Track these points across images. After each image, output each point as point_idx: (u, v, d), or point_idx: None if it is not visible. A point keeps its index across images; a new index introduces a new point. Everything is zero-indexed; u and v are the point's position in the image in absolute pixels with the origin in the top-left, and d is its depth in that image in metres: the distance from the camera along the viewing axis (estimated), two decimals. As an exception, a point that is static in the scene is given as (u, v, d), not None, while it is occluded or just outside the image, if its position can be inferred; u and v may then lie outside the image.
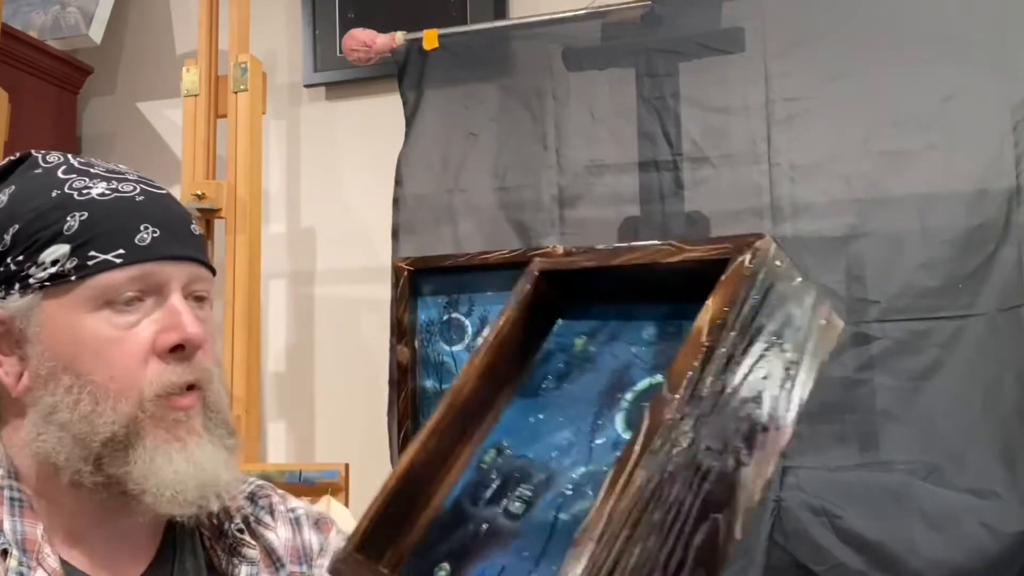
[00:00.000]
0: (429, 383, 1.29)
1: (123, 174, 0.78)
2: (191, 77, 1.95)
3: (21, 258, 0.72)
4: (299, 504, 0.89)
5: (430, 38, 1.81)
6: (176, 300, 0.74)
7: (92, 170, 0.77)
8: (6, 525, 0.72)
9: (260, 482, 0.89)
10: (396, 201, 1.83)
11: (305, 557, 0.84)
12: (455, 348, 1.27)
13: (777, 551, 1.46)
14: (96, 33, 2.18)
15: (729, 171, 1.62)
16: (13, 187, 0.76)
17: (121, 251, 0.72)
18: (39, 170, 0.77)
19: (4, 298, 0.73)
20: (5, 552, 0.70)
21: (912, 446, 1.47)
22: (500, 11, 2.02)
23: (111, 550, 0.76)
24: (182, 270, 0.75)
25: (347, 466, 1.65)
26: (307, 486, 1.61)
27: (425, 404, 1.28)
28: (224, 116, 1.93)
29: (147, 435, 0.72)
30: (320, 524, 0.88)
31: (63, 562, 0.73)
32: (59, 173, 0.76)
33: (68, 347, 0.72)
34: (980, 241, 1.48)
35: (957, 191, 1.51)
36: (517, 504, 0.68)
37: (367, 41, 1.82)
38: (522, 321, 0.80)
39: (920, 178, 1.53)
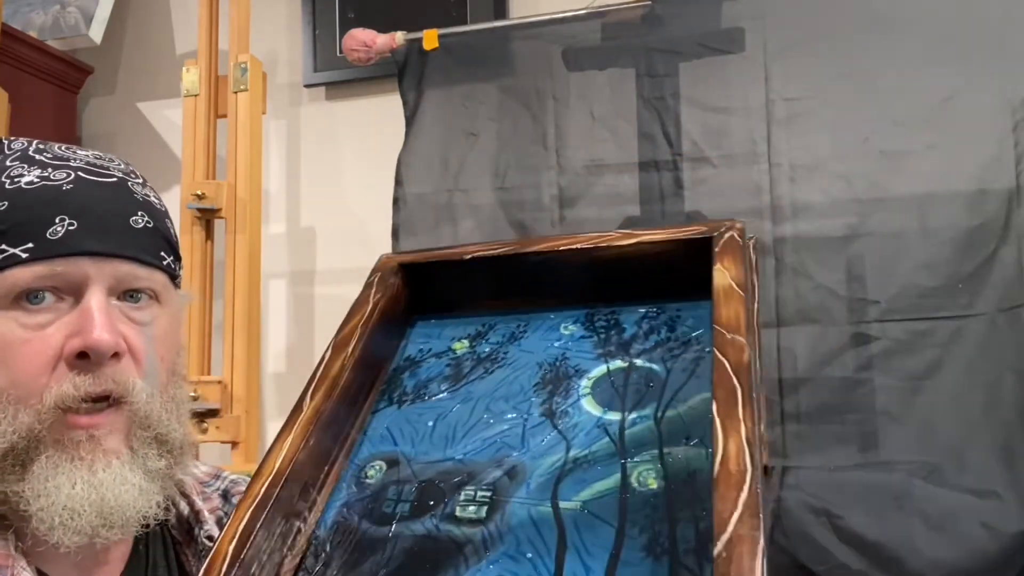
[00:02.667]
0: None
1: (67, 161, 0.70)
2: (191, 77, 1.95)
3: None
4: None
5: (430, 38, 1.81)
6: (93, 301, 0.67)
7: (39, 156, 0.70)
8: None
9: (233, 477, 0.85)
10: (396, 201, 1.82)
11: None
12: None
13: (777, 552, 1.45)
14: (96, 33, 2.17)
15: (729, 171, 1.62)
16: None
17: (30, 245, 0.66)
18: None
19: None
20: None
21: (912, 446, 1.47)
22: (500, 11, 2.02)
23: (85, 557, 0.71)
24: (103, 268, 0.68)
25: (347, 466, 1.65)
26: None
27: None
28: (224, 116, 1.93)
29: (47, 450, 0.66)
30: None
31: (40, 572, 0.69)
32: (7, 161, 0.70)
33: None
34: (980, 241, 1.48)
35: (957, 191, 1.50)
36: (472, 508, 0.65)
37: (367, 41, 1.81)
38: (376, 329, 0.81)
39: (920, 178, 1.53)
